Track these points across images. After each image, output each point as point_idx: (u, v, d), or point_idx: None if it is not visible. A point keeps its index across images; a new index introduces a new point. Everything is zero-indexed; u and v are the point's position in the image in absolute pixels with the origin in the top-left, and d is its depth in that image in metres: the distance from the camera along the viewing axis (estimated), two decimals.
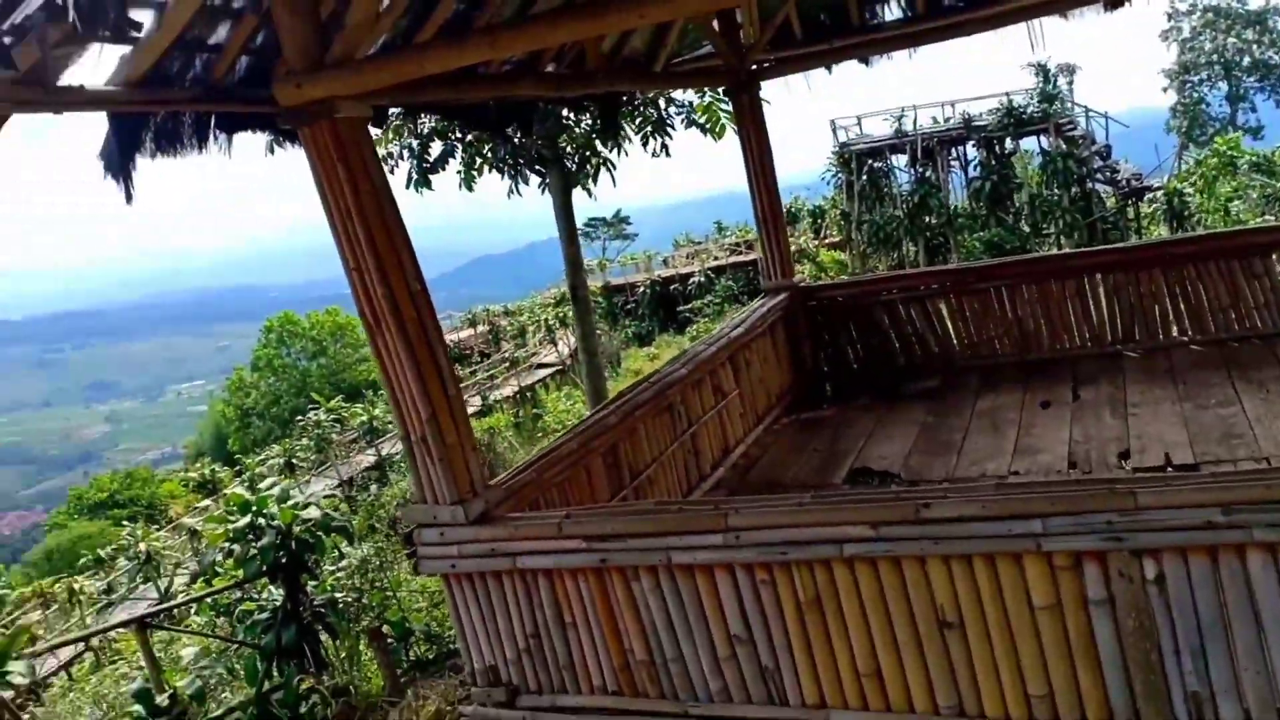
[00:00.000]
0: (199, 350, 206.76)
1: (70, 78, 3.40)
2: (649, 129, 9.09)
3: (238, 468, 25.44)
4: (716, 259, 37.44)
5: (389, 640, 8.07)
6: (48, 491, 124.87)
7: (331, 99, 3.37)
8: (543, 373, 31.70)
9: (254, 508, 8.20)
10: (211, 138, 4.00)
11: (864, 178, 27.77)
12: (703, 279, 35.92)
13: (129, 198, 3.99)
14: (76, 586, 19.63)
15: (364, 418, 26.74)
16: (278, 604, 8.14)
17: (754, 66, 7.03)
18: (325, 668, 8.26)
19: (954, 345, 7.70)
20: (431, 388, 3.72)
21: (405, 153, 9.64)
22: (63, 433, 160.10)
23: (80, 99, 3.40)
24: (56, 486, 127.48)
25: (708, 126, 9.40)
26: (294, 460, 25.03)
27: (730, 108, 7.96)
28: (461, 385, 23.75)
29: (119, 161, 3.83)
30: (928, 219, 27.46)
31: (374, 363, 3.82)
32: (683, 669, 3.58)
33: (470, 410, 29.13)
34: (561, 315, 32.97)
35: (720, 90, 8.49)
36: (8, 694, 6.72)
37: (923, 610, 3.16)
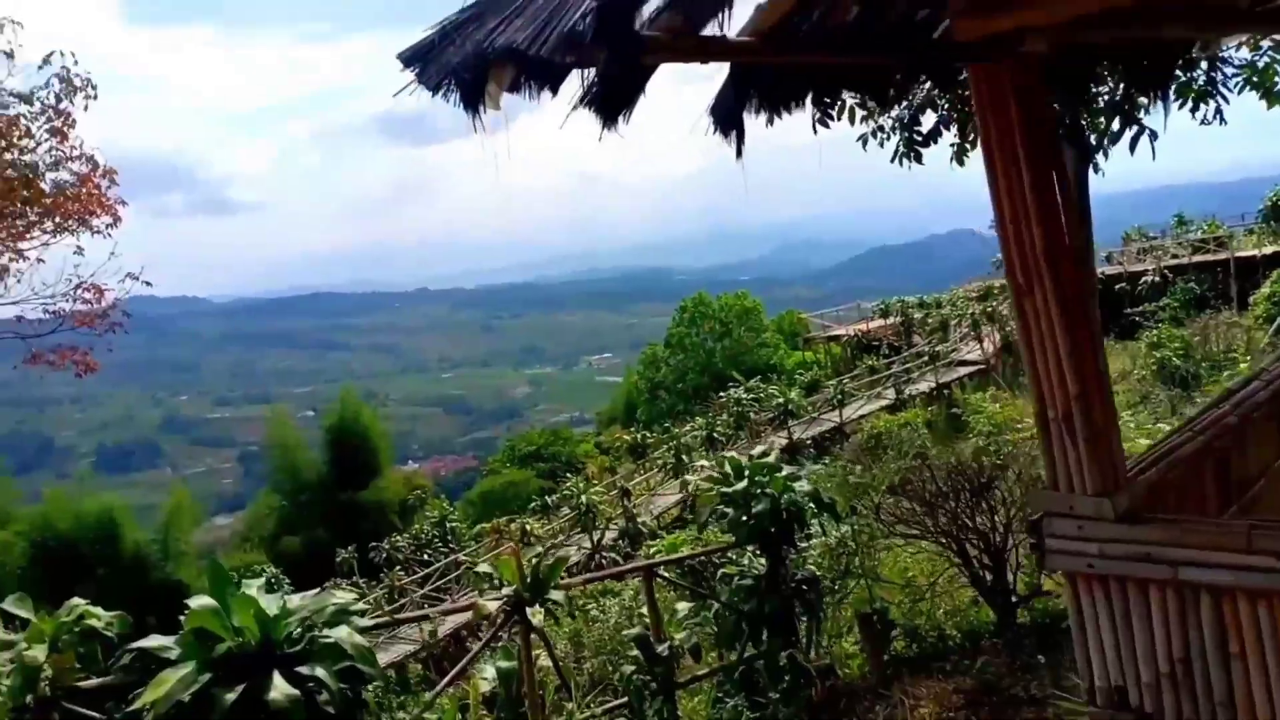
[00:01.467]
0: (612, 325, 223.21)
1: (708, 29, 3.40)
2: (1194, 92, 7.84)
3: (661, 435, 26.93)
4: (1175, 256, 33.14)
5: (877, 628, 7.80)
6: (479, 440, 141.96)
7: (1019, 30, 3.02)
8: (962, 370, 30.12)
9: (749, 473, 8.36)
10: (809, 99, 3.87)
11: None
12: (1157, 279, 32.00)
13: (739, 153, 3.98)
14: (528, 527, 22.00)
15: (780, 399, 27.12)
16: (760, 573, 8.24)
17: None
18: (801, 644, 8.20)
19: None
20: (1082, 361, 3.26)
21: (895, 125, 9.19)
22: (495, 390, 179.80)
23: (721, 49, 3.38)
24: (485, 437, 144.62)
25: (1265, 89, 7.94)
26: (714, 434, 26.01)
27: None
28: (875, 377, 23.23)
29: (734, 115, 3.80)
30: None
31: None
32: None
33: (882, 403, 28.49)
34: (989, 311, 31.05)
35: None
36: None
37: None
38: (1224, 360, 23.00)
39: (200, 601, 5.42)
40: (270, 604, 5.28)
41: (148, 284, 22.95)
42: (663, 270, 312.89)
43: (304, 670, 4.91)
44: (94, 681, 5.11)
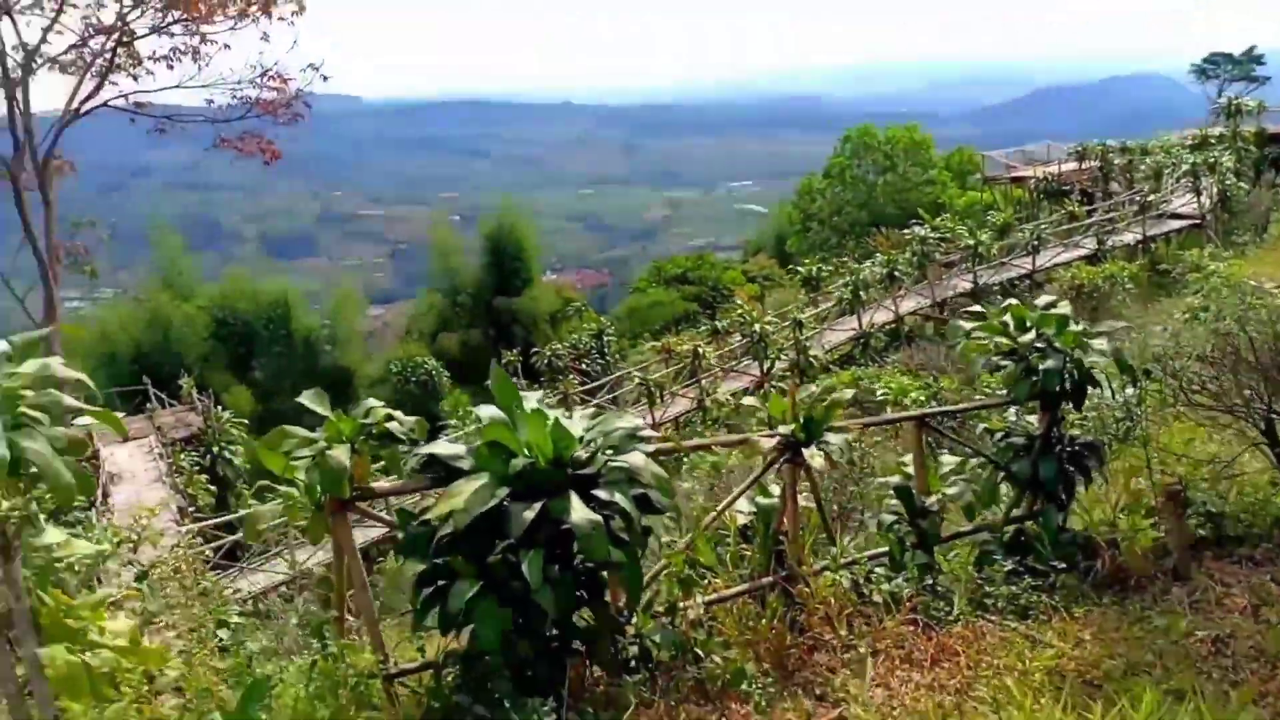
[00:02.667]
0: (754, 153, 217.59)
1: None
2: None
3: (838, 267, 25.95)
4: None
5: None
6: (614, 258, 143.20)
7: None
8: (1173, 224, 27.74)
9: (1035, 325, 7.60)
10: None
11: None
12: None
13: None
14: (700, 350, 21.85)
15: (970, 241, 25.64)
16: (1035, 432, 7.58)
17: None
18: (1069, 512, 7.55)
19: None
20: None
21: None
22: (631, 210, 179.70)
23: None
24: (620, 255, 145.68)
25: None
26: (895, 272, 24.92)
27: None
28: (1075, 225, 21.60)
29: None
30: None
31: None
32: None
33: (1080, 253, 26.66)
34: (1210, 162, 28.19)
35: None
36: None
37: None
38: None
39: (490, 413, 5.21)
40: (564, 423, 5.02)
41: (325, 77, 22.95)
42: (809, 98, 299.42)
43: (601, 494, 4.68)
44: (386, 484, 5.05)
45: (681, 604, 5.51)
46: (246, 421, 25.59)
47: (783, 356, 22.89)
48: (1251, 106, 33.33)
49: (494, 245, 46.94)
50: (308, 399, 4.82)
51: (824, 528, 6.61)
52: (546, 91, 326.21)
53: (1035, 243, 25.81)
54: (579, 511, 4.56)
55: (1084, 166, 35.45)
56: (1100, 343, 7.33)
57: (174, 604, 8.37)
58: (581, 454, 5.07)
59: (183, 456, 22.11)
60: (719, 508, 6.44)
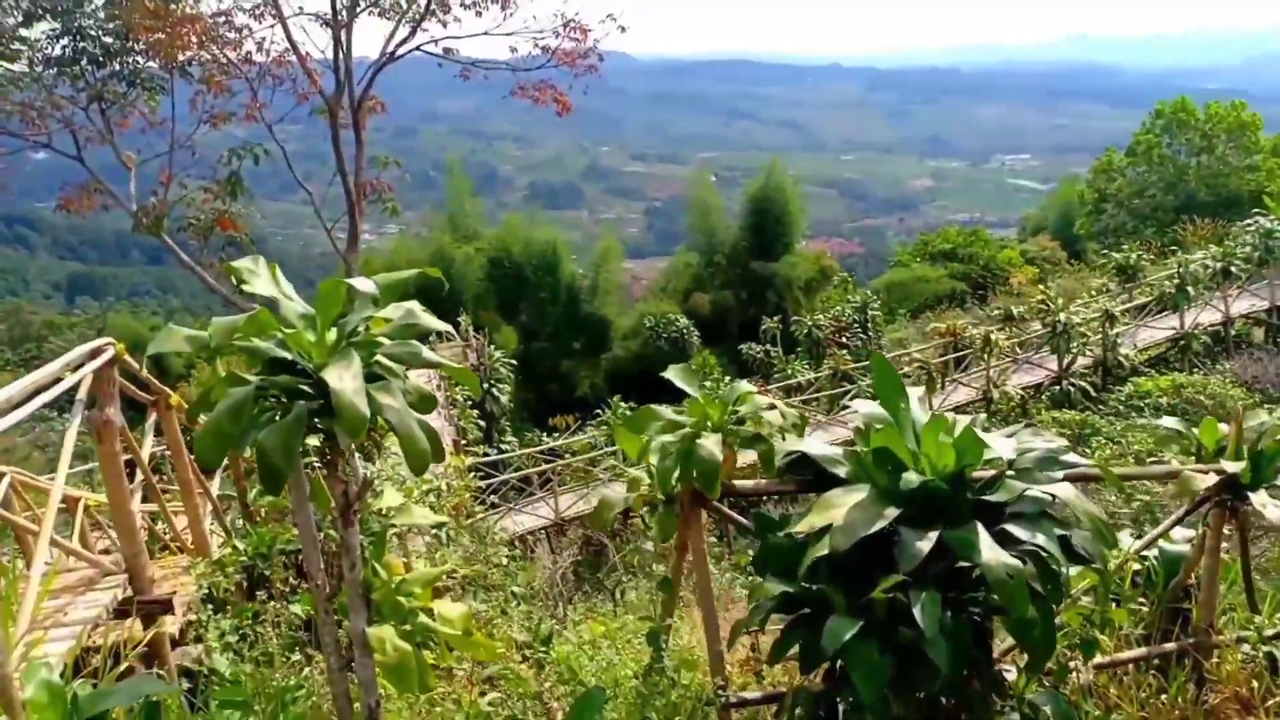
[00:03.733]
0: (1034, 124, 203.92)
1: None
2: None
3: (1159, 255, 22.87)
4: None
5: None
6: (867, 228, 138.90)
7: None
8: None
9: None
10: None
11: None
12: None
13: None
14: (993, 337, 19.97)
15: None
16: None
17: None
18: None
19: None
20: None
21: None
22: (893, 179, 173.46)
23: None
24: (875, 225, 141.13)
25: None
26: (1231, 267, 21.68)
27: None
28: None
29: None
30: None
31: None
32: None
33: None
34: None
35: None
36: None
37: None
38: None
39: (870, 410, 4.30)
40: (976, 433, 4.04)
41: (623, 29, 22.71)
42: (1101, 67, 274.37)
43: (1017, 531, 3.67)
44: (749, 482, 4.33)
45: (1072, 666, 4.46)
46: (514, 362, 26.36)
47: (1087, 352, 20.53)
48: None
49: (757, 207, 46.07)
50: (676, 376, 4.18)
51: (1246, 590, 5.27)
52: (815, 54, 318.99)
53: None
54: (991, 551, 3.61)
55: None
56: None
57: (459, 548, 8.34)
58: (985, 475, 4.11)
59: (456, 389, 23.01)
60: (1129, 549, 5.28)
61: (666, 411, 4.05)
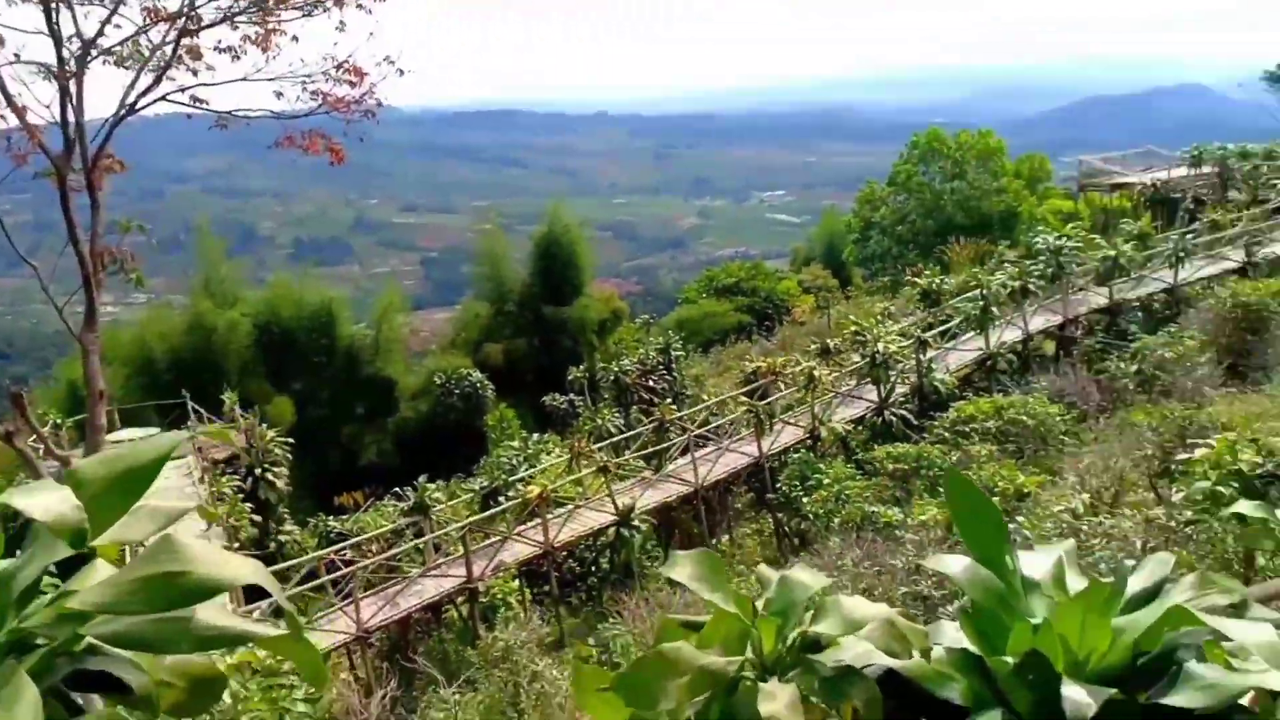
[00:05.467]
0: (787, 162, 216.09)
1: None
2: None
3: (969, 281, 22.94)
4: None
5: None
6: (641, 267, 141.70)
7: None
8: None
9: None
10: None
11: None
12: None
13: None
14: (817, 373, 19.13)
15: (1109, 253, 22.74)
16: None
17: None
18: None
19: None
20: None
21: None
22: (662, 219, 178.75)
23: None
24: (649, 264, 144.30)
25: None
26: (1029, 286, 22.03)
27: None
28: (1217, 236, 18.93)
29: None
30: None
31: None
32: None
33: (1226, 265, 23.78)
34: None
35: None
36: None
37: None
38: None
39: (972, 575, 2.49)
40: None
41: (401, 71, 20.53)
42: (844, 106, 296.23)
43: None
44: None
45: None
46: (291, 441, 23.11)
47: (904, 380, 20.12)
48: None
49: (544, 252, 44.72)
50: (686, 572, 2.13)
51: None
52: (582, 102, 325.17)
53: (1180, 254, 22.88)
54: None
55: (1197, 172, 32.47)
56: None
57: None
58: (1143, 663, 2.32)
59: (224, 481, 19.66)
60: None
61: (689, 652, 1.99)
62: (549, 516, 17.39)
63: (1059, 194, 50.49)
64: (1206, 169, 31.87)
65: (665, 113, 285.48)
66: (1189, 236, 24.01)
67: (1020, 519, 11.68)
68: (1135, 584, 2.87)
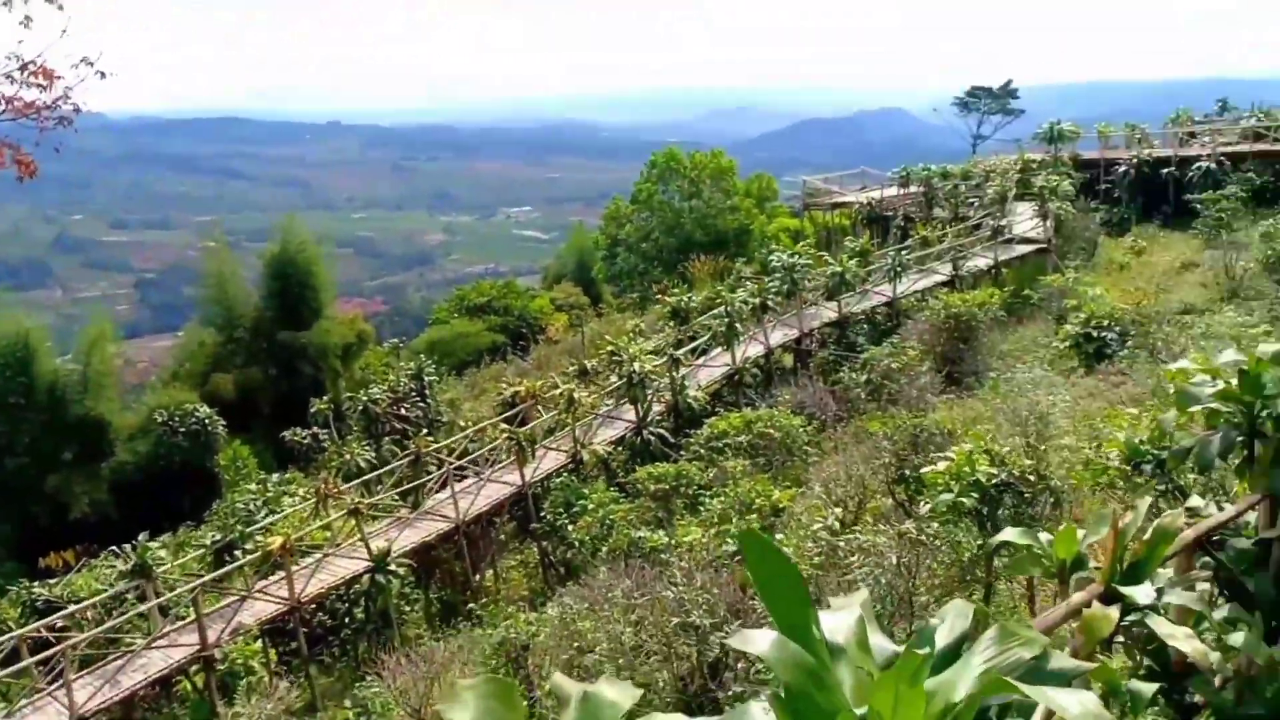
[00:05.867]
0: (531, 177, 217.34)
1: None
2: None
3: (712, 297, 23.64)
4: (1230, 144, 31.10)
5: None
6: (388, 285, 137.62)
7: None
8: (1022, 249, 27.79)
9: (1263, 379, 5.42)
10: None
11: None
12: (1213, 165, 29.95)
13: None
14: (576, 396, 18.91)
15: (836, 269, 24.27)
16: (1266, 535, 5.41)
17: None
18: None
19: None
20: None
21: None
22: (407, 235, 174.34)
23: None
24: (396, 283, 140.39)
25: None
26: (768, 302, 23.05)
27: None
28: (927, 251, 21.15)
29: None
30: None
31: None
32: None
33: (937, 279, 26.07)
34: (1054, 186, 28.57)
35: None
36: None
37: None
38: None
39: (787, 656, 2.31)
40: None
41: (102, 74, 18.37)
42: (586, 124, 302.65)
43: None
44: None
45: None
46: None
47: (660, 398, 20.40)
48: (1071, 132, 34.63)
49: (278, 272, 41.78)
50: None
51: None
52: (312, 111, 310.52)
53: (898, 269, 24.89)
54: None
55: (908, 191, 35.57)
56: None
57: None
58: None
59: None
60: None
61: None
62: (295, 568, 16.04)
63: (785, 212, 53.81)
64: (914, 188, 34.94)
65: (403, 123, 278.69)
66: (904, 252, 26.24)
67: (780, 536, 11.98)
68: (940, 639, 2.80)
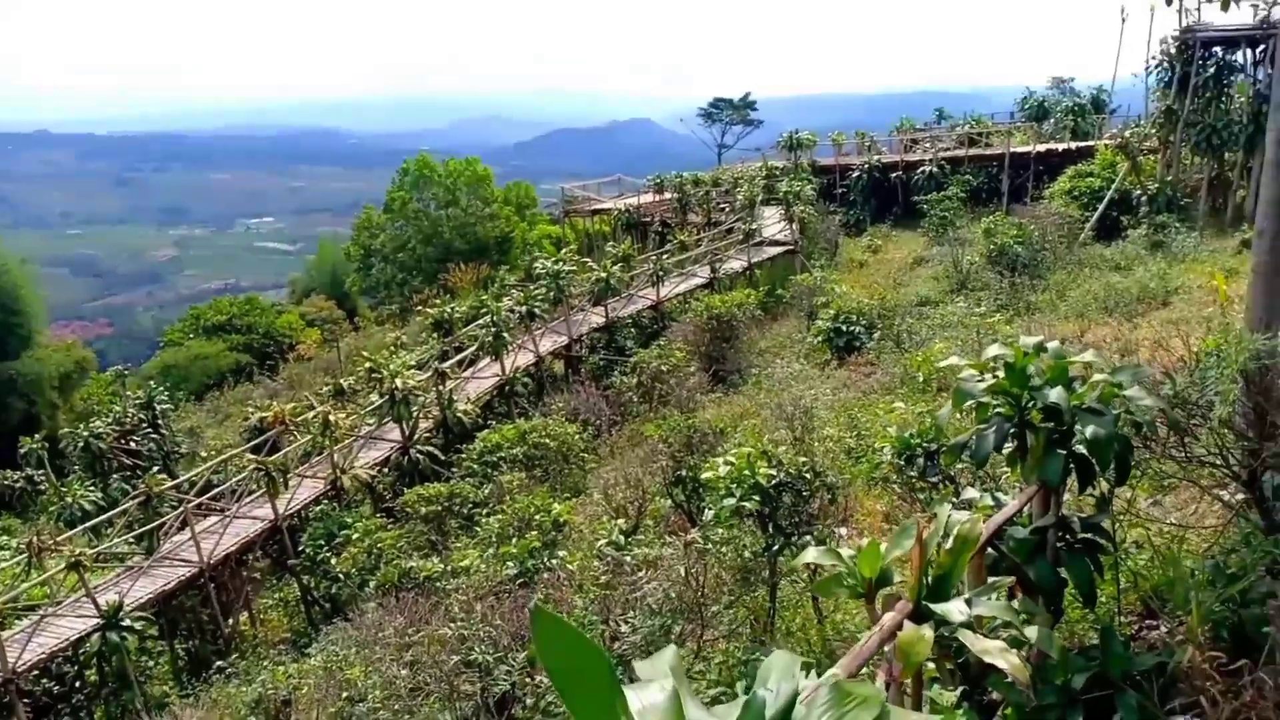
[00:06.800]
0: (273, 187, 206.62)
1: None
2: None
3: (477, 306, 22.73)
4: (948, 150, 34.01)
5: None
6: (111, 307, 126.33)
7: None
8: (772, 251, 28.95)
9: (1051, 376, 5.53)
10: None
11: (1206, 72, 23.93)
12: (935, 169, 32.63)
13: None
14: (333, 418, 17.50)
15: (600, 275, 24.17)
16: (1044, 523, 5.52)
17: None
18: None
19: None
20: None
21: None
22: (133, 251, 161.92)
23: None
24: (122, 303, 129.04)
25: None
26: (535, 309, 22.51)
27: None
28: (686, 255, 21.81)
29: None
30: None
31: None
32: None
33: (697, 282, 26.63)
34: (797, 191, 29.98)
35: None
36: None
37: None
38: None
39: None
40: None
41: None
42: (331, 131, 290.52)
43: None
44: None
45: None
46: None
47: (428, 415, 19.37)
48: (809, 140, 36.59)
49: None
50: None
51: None
52: (14, 121, 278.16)
53: (660, 273, 25.20)
54: None
55: (662, 198, 36.30)
56: (1139, 394, 5.45)
57: None
58: None
59: None
60: None
61: None
62: (6, 634, 13.82)
63: (545, 219, 53.64)
64: (668, 195, 35.71)
65: (124, 132, 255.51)
66: (665, 257, 26.68)
67: (563, 554, 11.52)
68: (770, 707, 2.53)
